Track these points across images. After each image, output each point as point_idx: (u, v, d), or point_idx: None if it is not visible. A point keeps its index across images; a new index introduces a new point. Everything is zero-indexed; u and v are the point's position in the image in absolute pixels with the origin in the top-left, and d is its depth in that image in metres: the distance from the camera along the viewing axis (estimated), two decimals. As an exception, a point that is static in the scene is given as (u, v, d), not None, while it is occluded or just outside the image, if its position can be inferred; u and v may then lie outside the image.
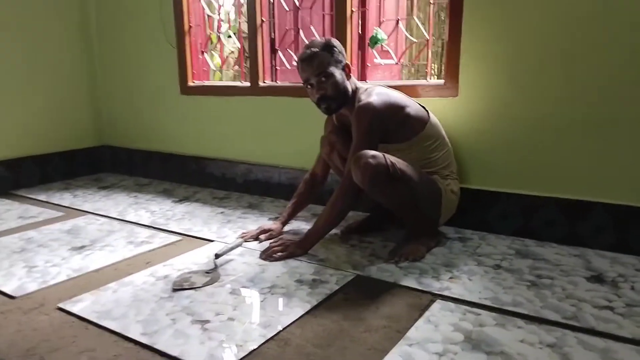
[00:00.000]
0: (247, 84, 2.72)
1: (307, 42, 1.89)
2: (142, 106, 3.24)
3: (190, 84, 2.95)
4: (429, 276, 1.63)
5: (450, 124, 2.03)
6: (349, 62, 1.88)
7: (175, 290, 1.55)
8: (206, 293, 1.53)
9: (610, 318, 1.33)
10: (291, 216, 2.10)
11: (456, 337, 1.26)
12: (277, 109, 2.61)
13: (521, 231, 1.98)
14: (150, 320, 1.36)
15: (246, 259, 1.80)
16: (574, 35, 1.77)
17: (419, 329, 1.30)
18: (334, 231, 1.95)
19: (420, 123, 1.85)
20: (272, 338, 1.27)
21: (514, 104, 1.93)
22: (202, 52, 2.98)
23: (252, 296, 1.52)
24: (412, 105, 1.86)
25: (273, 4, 2.72)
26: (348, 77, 1.86)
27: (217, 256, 1.74)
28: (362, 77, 2.40)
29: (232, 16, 3.29)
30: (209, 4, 2.93)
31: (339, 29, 2.33)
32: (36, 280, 1.65)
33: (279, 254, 1.79)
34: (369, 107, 1.75)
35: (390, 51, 2.44)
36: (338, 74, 1.82)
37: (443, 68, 2.20)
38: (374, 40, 2.35)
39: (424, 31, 2.31)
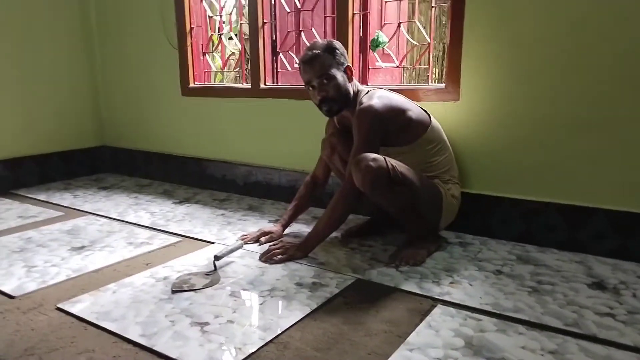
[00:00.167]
0: (248, 85, 2.72)
1: (308, 44, 1.89)
2: (143, 107, 3.24)
3: (192, 85, 2.95)
4: (429, 281, 1.62)
5: (452, 128, 2.03)
6: (350, 65, 1.87)
7: (174, 292, 1.55)
8: (206, 295, 1.52)
9: (612, 325, 1.33)
10: (292, 219, 2.10)
11: (457, 342, 1.25)
12: (278, 111, 2.61)
13: (522, 236, 1.98)
14: (150, 322, 1.35)
15: (246, 262, 1.80)
16: (578, 39, 1.77)
17: (419, 334, 1.29)
18: (334, 234, 1.94)
19: (421, 127, 1.85)
20: (271, 341, 1.27)
21: (516, 109, 1.92)
22: (204, 54, 2.98)
23: (251, 299, 1.51)
24: (414, 109, 1.86)
25: (274, 5, 2.72)
26: (350, 79, 1.86)
27: (217, 258, 1.74)
28: (364, 80, 2.40)
29: (234, 17, 3.28)
30: (211, 5, 2.93)
31: (340, 31, 2.32)
32: (35, 280, 1.64)
33: (279, 256, 1.79)
34: (370, 109, 1.75)
35: (392, 54, 2.44)
36: (340, 76, 1.82)
37: (444, 72, 2.20)
38: (376, 43, 2.35)
39: (425, 35, 2.30)
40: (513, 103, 1.93)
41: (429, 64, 2.30)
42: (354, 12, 2.31)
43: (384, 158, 1.68)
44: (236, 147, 2.83)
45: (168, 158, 3.15)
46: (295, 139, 2.57)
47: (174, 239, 2.06)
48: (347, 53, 2.02)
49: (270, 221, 2.28)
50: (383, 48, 2.38)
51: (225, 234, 2.11)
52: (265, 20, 2.63)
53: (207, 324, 1.34)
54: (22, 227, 2.25)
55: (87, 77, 3.36)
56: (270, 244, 1.91)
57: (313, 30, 2.60)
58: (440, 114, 2.03)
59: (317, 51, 1.80)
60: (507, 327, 1.33)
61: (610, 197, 1.80)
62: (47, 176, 3.16)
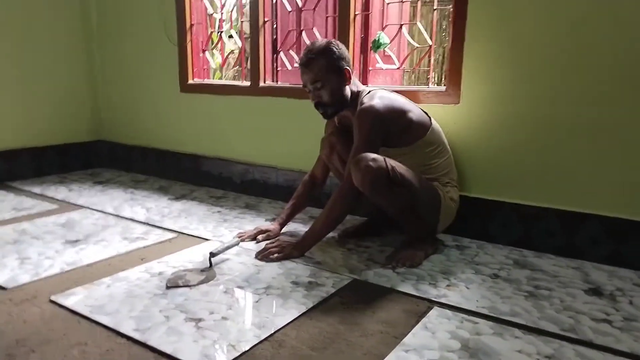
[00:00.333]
0: (248, 83, 2.71)
1: (309, 43, 1.89)
2: (141, 102, 3.22)
3: (190, 82, 2.94)
4: (426, 283, 1.61)
5: (451, 131, 2.03)
6: (349, 68, 1.84)
7: (169, 287, 1.53)
8: (201, 291, 1.51)
9: (608, 331, 1.32)
10: (289, 218, 2.09)
11: (453, 344, 1.25)
12: (277, 110, 2.60)
13: (519, 241, 1.98)
14: (144, 317, 1.34)
15: (242, 259, 1.78)
16: (580, 44, 1.77)
17: (415, 335, 1.29)
18: (330, 235, 1.93)
19: (422, 129, 1.84)
20: (266, 339, 1.26)
21: (517, 113, 1.92)
22: (203, 51, 2.97)
23: (247, 296, 1.50)
24: (415, 110, 1.85)
25: (276, 4, 2.72)
26: (347, 82, 1.85)
27: (212, 255, 1.72)
28: (363, 81, 2.39)
29: (234, 15, 3.27)
30: (212, 2, 2.92)
31: (341, 31, 2.32)
32: (29, 272, 1.63)
33: (276, 255, 1.78)
34: (371, 109, 1.74)
35: (393, 56, 2.44)
36: (335, 81, 1.82)
37: (444, 75, 2.20)
38: (377, 45, 2.34)
39: (426, 37, 2.30)
40: (514, 107, 1.92)
41: (429, 66, 2.30)
42: (356, 12, 2.31)
43: (384, 158, 1.67)
44: (234, 144, 2.81)
45: (165, 154, 3.13)
46: (294, 138, 2.56)
47: (170, 235, 2.05)
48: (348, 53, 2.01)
49: (266, 220, 2.27)
50: (384, 49, 2.38)
51: (221, 231, 2.10)
52: (266, 19, 2.62)
53: (201, 320, 1.33)
54: (16, 219, 2.23)
55: (85, 71, 3.34)
56: (267, 242, 1.90)
57: (314, 29, 2.59)
58: (440, 116, 2.02)
59: (312, 56, 1.80)
60: (503, 331, 1.32)
61: (608, 204, 1.80)
62: (42, 169, 3.14)
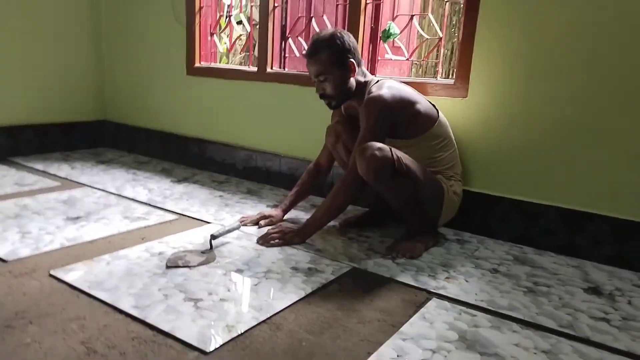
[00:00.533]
0: (255, 69, 2.70)
1: (314, 33, 1.87)
2: (146, 84, 3.21)
3: (197, 65, 2.93)
4: (425, 274, 1.61)
5: (458, 125, 2.02)
6: (354, 59, 1.81)
7: (169, 267, 1.53)
8: (200, 272, 1.51)
9: (606, 330, 1.32)
10: (292, 205, 2.08)
11: (450, 335, 1.25)
12: (283, 97, 2.58)
13: (520, 238, 1.97)
14: (143, 295, 1.34)
15: (243, 243, 1.78)
16: (593, 44, 1.75)
17: (413, 325, 1.29)
18: (332, 223, 1.93)
19: (429, 121, 1.83)
20: (264, 321, 1.26)
21: (524, 109, 1.91)
22: (211, 34, 2.95)
23: (246, 279, 1.50)
24: (423, 102, 1.84)
25: (287, -10, 2.70)
26: (352, 73, 1.83)
27: (213, 237, 1.72)
28: (372, 71, 2.38)
29: (244, 1, 3.25)
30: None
31: (352, 20, 2.30)
32: (29, 247, 1.63)
33: (277, 240, 1.78)
34: (379, 99, 1.73)
35: (402, 47, 2.42)
36: (338, 74, 1.81)
37: (453, 69, 2.19)
38: (387, 35, 2.33)
39: (437, 29, 2.28)
40: (522, 103, 1.91)
41: (439, 58, 2.29)
42: (367, 1, 2.29)
43: (390, 148, 1.67)
44: (238, 130, 2.80)
45: (169, 136, 3.12)
46: (299, 126, 2.55)
47: (171, 217, 2.05)
48: (357, 43, 1.99)
49: (268, 206, 2.27)
50: (393, 40, 2.36)
51: (222, 215, 2.10)
52: (276, 4, 2.60)
53: (200, 300, 1.33)
54: (18, 194, 2.23)
55: (92, 51, 3.32)
56: (269, 227, 1.90)
57: (324, 17, 2.57)
58: (448, 109, 2.01)
59: (316, 47, 1.80)
60: (501, 324, 1.32)
61: (612, 204, 1.79)
62: (46, 146, 3.13)
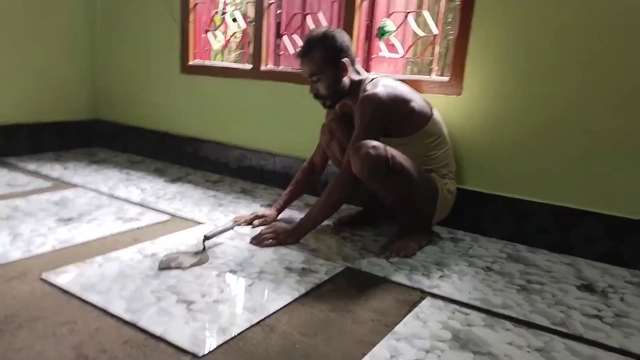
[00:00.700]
0: (249, 66, 2.68)
1: (307, 32, 1.87)
2: (140, 82, 3.19)
3: (191, 62, 2.91)
4: (419, 273, 1.61)
5: (452, 122, 2.01)
6: (347, 58, 1.80)
7: (161, 269, 1.52)
8: (193, 274, 1.50)
9: (599, 327, 1.33)
10: (287, 204, 2.07)
11: (444, 334, 1.25)
12: (278, 95, 2.57)
13: (513, 236, 1.97)
14: (135, 297, 1.33)
15: (236, 243, 1.78)
16: (592, 39, 1.75)
17: (407, 325, 1.28)
18: (325, 223, 1.93)
19: (423, 119, 1.83)
20: (257, 323, 1.25)
21: (518, 108, 1.91)
22: (206, 31, 2.93)
23: (239, 280, 1.49)
24: (417, 100, 1.84)
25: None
26: (345, 73, 1.81)
27: (206, 238, 1.71)
28: (367, 69, 2.37)
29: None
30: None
31: (347, 17, 2.29)
32: (20, 249, 1.61)
33: (270, 240, 1.77)
34: (374, 97, 1.73)
35: (398, 44, 2.41)
36: (331, 74, 1.80)
37: (447, 67, 2.18)
38: (382, 32, 2.32)
39: (433, 26, 2.27)
40: (516, 101, 1.91)
41: (434, 56, 2.28)
42: (362, -2, 2.28)
43: (384, 146, 1.66)
44: (232, 128, 2.79)
45: (162, 136, 3.11)
46: (293, 124, 2.54)
47: (164, 217, 2.04)
48: (352, 40, 1.98)
49: (262, 205, 2.26)
50: (388, 37, 2.35)
51: (216, 215, 2.09)
52: (271, 1, 2.58)
53: (193, 302, 1.33)
54: (9, 195, 2.21)
55: (86, 49, 3.30)
56: (263, 227, 1.89)
57: (319, 14, 2.56)
58: (442, 107, 2.01)
59: (308, 47, 1.79)
60: (494, 323, 1.32)
61: (605, 202, 1.79)
62: (38, 146, 3.11)
